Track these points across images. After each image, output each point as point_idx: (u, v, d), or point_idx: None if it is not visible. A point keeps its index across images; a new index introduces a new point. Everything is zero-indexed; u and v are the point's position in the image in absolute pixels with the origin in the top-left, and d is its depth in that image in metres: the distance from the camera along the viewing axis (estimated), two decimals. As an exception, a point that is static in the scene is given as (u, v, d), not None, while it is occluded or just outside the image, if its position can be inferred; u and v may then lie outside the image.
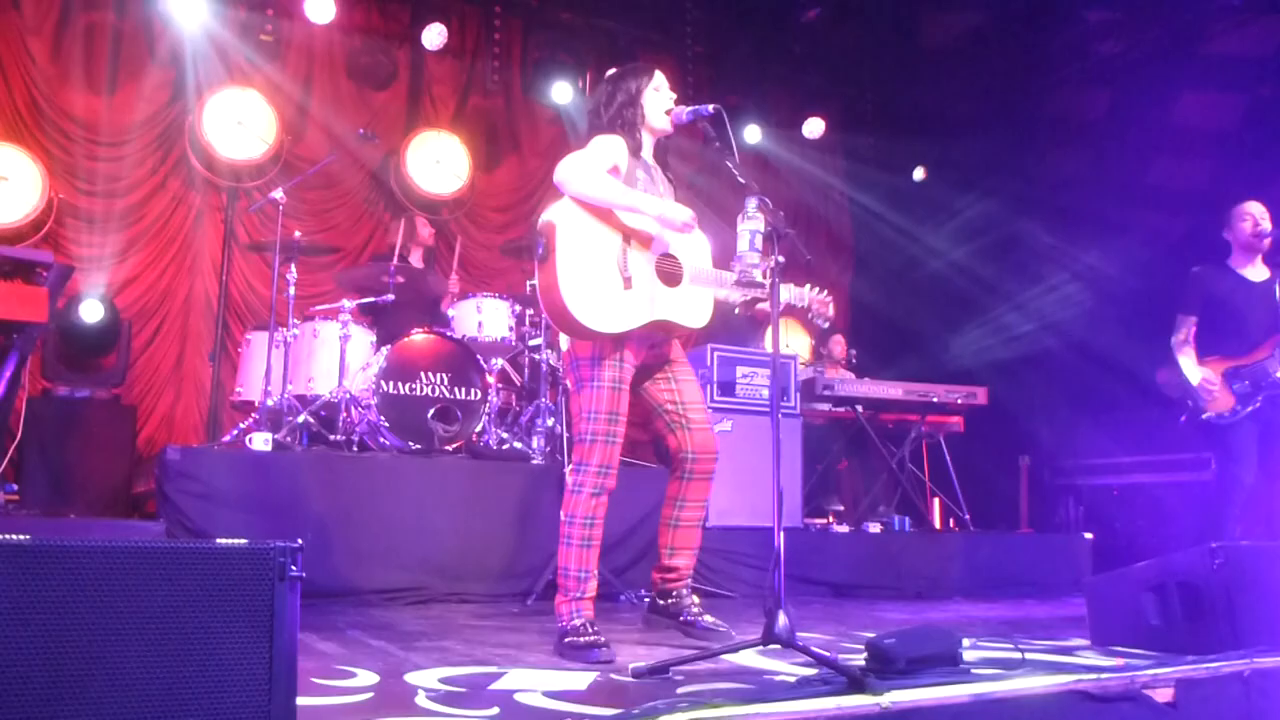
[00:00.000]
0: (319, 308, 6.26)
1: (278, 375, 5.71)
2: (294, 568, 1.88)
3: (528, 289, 6.19)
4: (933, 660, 2.66)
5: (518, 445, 5.94)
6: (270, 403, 5.63)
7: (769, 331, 3.25)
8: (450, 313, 6.37)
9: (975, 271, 8.91)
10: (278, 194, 5.86)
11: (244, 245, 7.45)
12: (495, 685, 2.70)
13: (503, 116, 8.87)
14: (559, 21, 8.79)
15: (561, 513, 3.37)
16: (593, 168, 3.32)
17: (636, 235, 3.38)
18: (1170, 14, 7.92)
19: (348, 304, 5.97)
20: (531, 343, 6.27)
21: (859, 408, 7.07)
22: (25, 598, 1.67)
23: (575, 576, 3.34)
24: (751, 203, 3.12)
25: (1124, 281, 7.72)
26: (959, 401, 7.16)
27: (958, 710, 2.34)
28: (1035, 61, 8.86)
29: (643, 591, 5.05)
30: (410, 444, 5.53)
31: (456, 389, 5.74)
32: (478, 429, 5.79)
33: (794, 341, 9.25)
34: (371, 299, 6.12)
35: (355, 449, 5.65)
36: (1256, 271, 5.00)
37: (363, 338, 6.06)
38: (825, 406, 7.18)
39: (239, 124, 7.43)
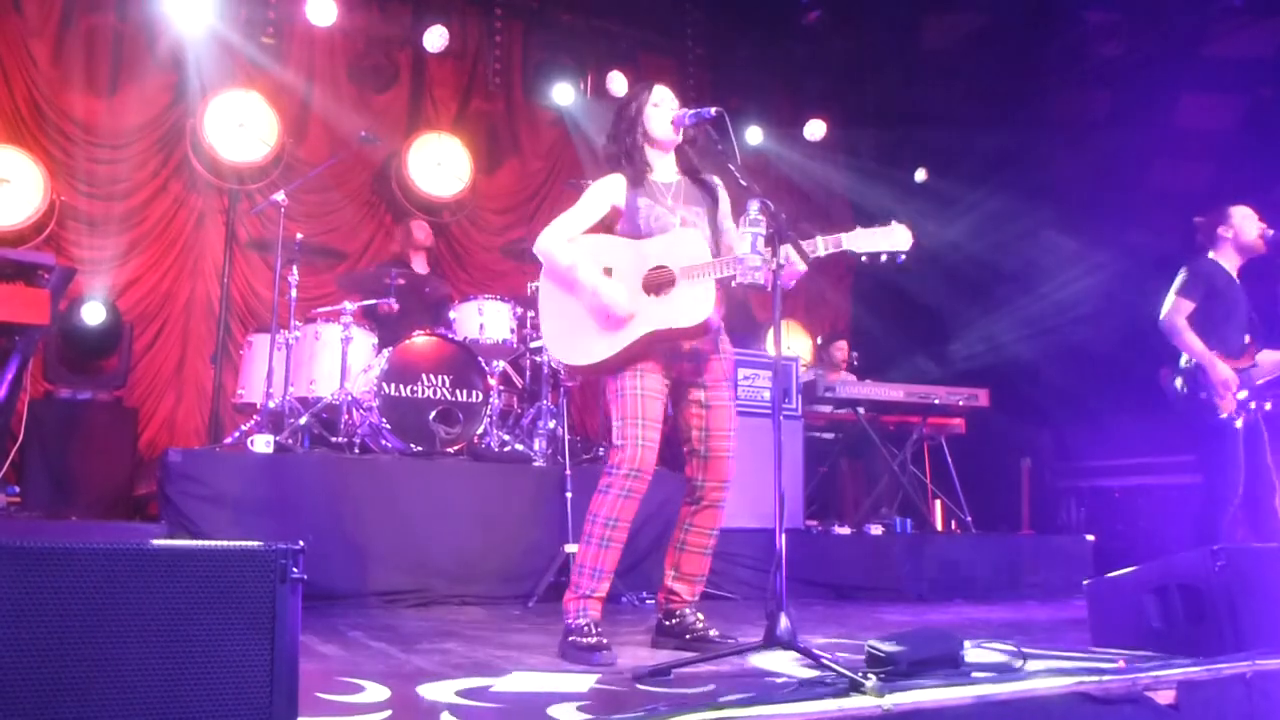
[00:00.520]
0: (321, 310, 6.26)
1: (279, 377, 5.71)
2: (295, 570, 1.88)
3: (529, 291, 6.19)
4: (934, 662, 2.66)
5: (519, 447, 5.94)
6: (272, 405, 5.63)
7: (770, 333, 3.24)
8: (452, 315, 6.37)
9: (977, 273, 8.90)
10: (279, 196, 5.87)
11: (245, 244, 7.45)
12: (497, 687, 2.70)
13: (504, 118, 8.87)
14: (560, 23, 8.79)
15: (588, 510, 3.40)
16: (561, 234, 3.54)
17: (616, 268, 3.47)
18: (1170, 16, 7.92)
19: (349, 306, 5.97)
20: (533, 345, 6.27)
21: (860, 409, 7.07)
22: (27, 600, 1.67)
23: (589, 574, 3.35)
24: (753, 205, 3.12)
25: (1125, 283, 7.72)
26: (960, 403, 7.15)
27: (959, 712, 2.34)
28: (1036, 63, 8.87)
29: (644, 593, 5.06)
30: (412, 446, 5.53)
31: (458, 391, 5.74)
32: (479, 431, 5.79)
33: (795, 344, 9.25)
34: (373, 301, 6.13)
35: (357, 451, 5.65)
36: (1235, 273, 4.97)
37: (364, 340, 6.06)
38: (827, 409, 7.18)
39: (241, 126, 7.43)
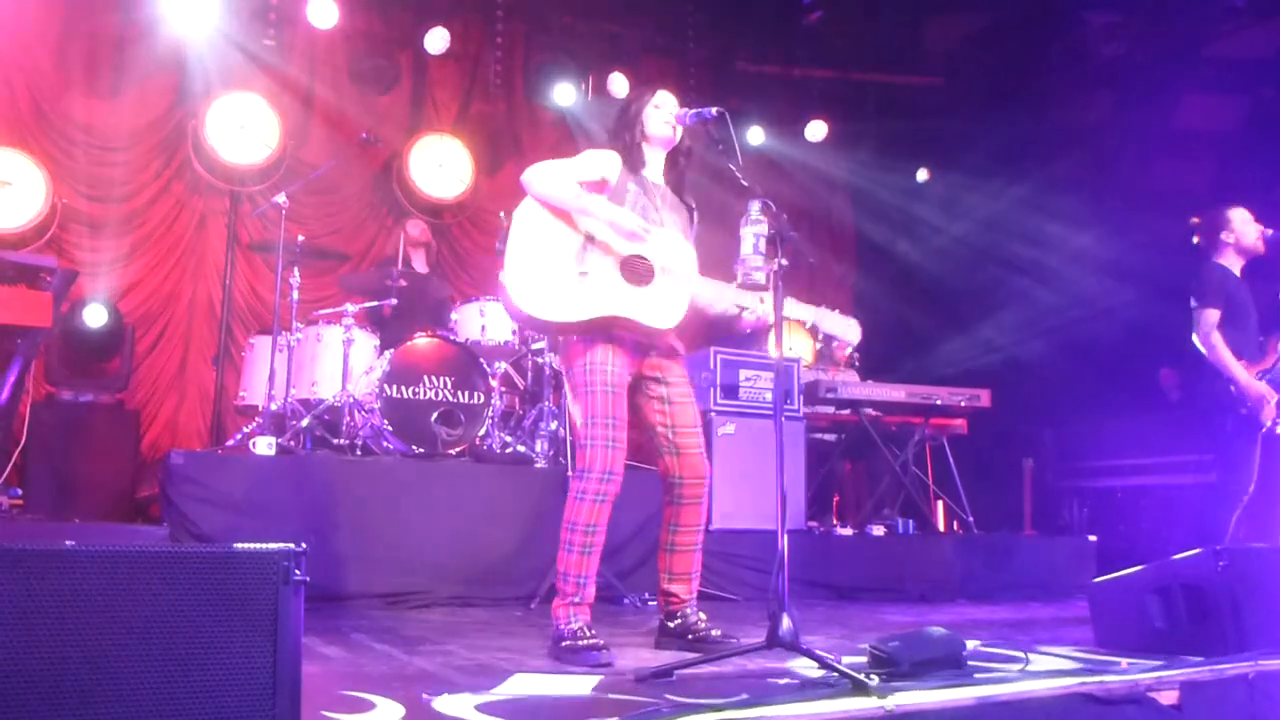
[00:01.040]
0: (322, 312, 6.26)
1: (281, 379, 5.72)
2: (298, 572, 1.88)
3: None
4: (936, 663, 2.66)
5: (521, 449, 5.94)
6: (274, 407, 5.64)
7: (772, 334, 3.25)
8: (453, 316, 6.37)
9: (978, 273, 8.90)
10: (281, 198, 5.87)
11: (247, 246, 7.45)
12: (499, 689, 2.70)
13: (505, 120, 8.87)
14: (561, 25, 8.79)
15: (563, 518, 3.38)
16: (556, 173, 3.45)
17: (599, 236, 3.43)
18: (1172, 16, 7.92)
19: (351, 308, 5.97)
20: (534, 346, 6.26)
21: (869, 410, 7.07)
22: (29, 602, 1.67)
23: (575, 581, 3.35)
24: (755, 206, 3.13)
25: (1126, 283, 7.72)
26: (962, 404, 7.15)
27: (962, 713, 2.34)
28: (1037, 64, 8.87)
29: (646, 595, 5.06)
30: (413, 448, 5.54)
31: (460, 392, 5.74)
32: (481, 432, 5.79)
33: (797, 344, 9.24)
34: (375, 303, 6.13)
35: (359, 453, 5.65)
36: (1239, 275, 4.98)
37: (366, 341, 6.06)
38: (829, 409, 7.18)
39: (242, 128, 7.43)
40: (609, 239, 3.44)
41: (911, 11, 9.11)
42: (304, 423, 5.65)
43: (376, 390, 5.56)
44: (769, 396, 6.21)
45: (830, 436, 7.61)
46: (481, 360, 5.89)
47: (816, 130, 9.53)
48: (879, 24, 9.13)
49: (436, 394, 5.67)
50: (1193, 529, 4.78)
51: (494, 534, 5.17)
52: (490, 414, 5.83)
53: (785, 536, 2.85)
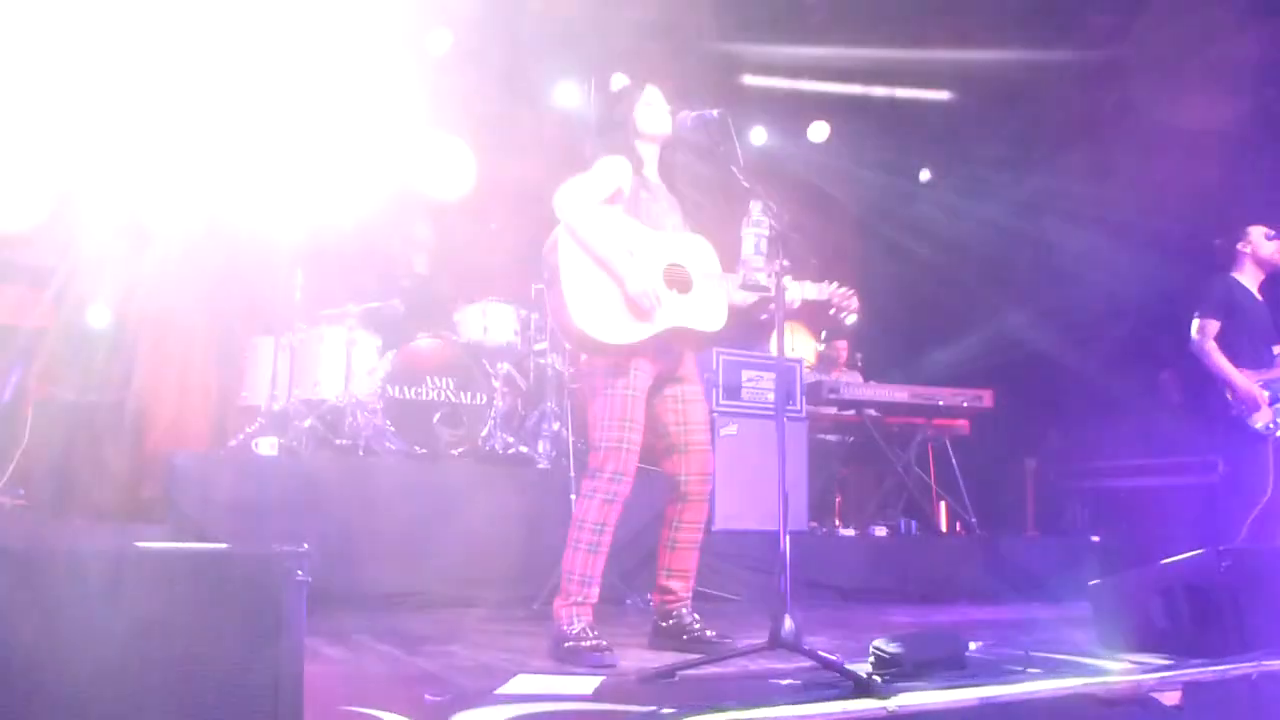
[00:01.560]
0: (325, 312, 6.26)
1: (284, 380, 5.72)
2: (300, 572, 1.88)
3: (532, 293, 6.19)
4: (939, 664, 2.66)
5: (523, 449, 5.94)
6: (276, 407, 5.64)
7: (774, 335, 3.24)
8: (456, 317, 6.37)
9: (980, 274, 8.89)
10: (284, 199, 5.87)
11: (250, 246, 7.44)
12: (501, 690, 2.70)
13: (508, 119, 8.86)
14: (564, 25, 8.78)
15: (573, 515, 3.39)
16: (587, 200, 3.40)
17: (637, 252, 3.40)
18: (1176, 17, 7.90)
19: (354, 308, 5.97)
20: (537, 347, 6.27)
21: (871, 411, 7.06)
22: (31, 603, 1.67)
23: (579, 580, 3.35)
24: (756, 207, 3.13)
25: (1129, 283, 7.71)
26: (965, 404, 7.15)
27: (964, 713, 2.34)
28: (1040, 65, 8.85)
29: (648, 595, 5.05)
30: (416, 448, 5.54)
31: (462, 393, 5.74)
32: (483, 433, 5.79)
33: (799, 345, 9.24)
34: (378, 303, 6.14)
35: (361, 453, 5.65)
36: (1256, 289, 5.10)
37: (368, 342, 6.06)
38: (831, 410, 7.18)
39: (244, 129, 7.43)
40: (646, 253, 3.43)
41: (915, 13, 9.09)
42: (306, 423, 5.65)
43: (379, 390, 5.56)
44: (771, 397, 6.21)
45: (833, 437, 7.61)
46: (484, 361, 5.90)
47: (819, 131, 9.53)
48: (882, 25, 9.11)
49: (439, 394, 5.67)
50: (1196, 530, 4.80)
51: (496, 535, 5.16)
52: (492, 414, 5.83)
53: (787, 537, 2.85)
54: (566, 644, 3.26)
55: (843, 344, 8.41)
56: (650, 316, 3.34)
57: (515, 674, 2.95)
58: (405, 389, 5.61)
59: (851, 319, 3.63)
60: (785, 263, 3.10)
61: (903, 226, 9.46)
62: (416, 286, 6.40)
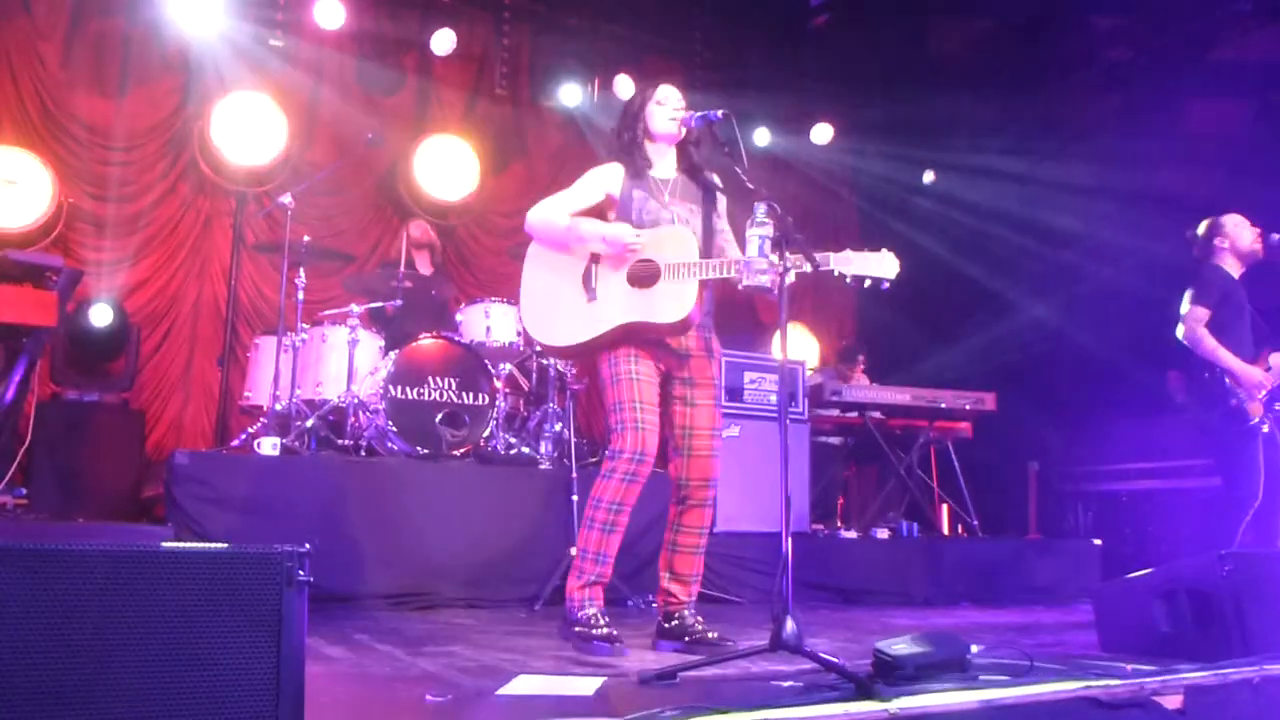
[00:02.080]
0: (327, 312, 6.26)
1: (286, 380, 5.72)
2: (302, 573, 1.88)
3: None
4: (941, 667, 2.65)
5: (525, 450, 5.94)
6: (278, 407, 5.64)
7: (777, 336, 3.20)
8: (458, 317, 6.37)
9: (984, 277, 8.89)
10: (286, 199, 5.86)
11: (252, 246, 7.46)
12: (502, 690, 2.70)
13: (511, 121, 8.87)
14: (567, 26, 8.80)
15: (590, 494, 3.42)
16: (547, 210, 3.59)
17: (603, 253, 3.51)
18: (1179, 21, 7.90)
19: (356, 309, 5.98)
20: (539, 347, 6.26)
21: (874, 413, 7.06)
22: (33, 602, 1.67)
23: (592, 558, 3.37)
24: (760, 208, 3.12)
25: (1132, 287, 7.70)
26: (967, 407, 7.14)
27: (966, 716, 2.33)
28: (1044, 68, 8.85)
29: (650, 596, 5.05)
30: (418, 449, 5.54)
31: (464, 394, 5.74)
32: (485, 434, 5.79)
33: (802, 346, 9.24)
34: (380, 304, 6.14)
35: (363, 454, 5.65)
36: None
37: (371, 342, 6.06)
38: (834, 412, 7.17)
39: (248, 129, 7.44)
40: (614, 255, 3.50)
41: (918, 14, 9.10)
42: (308, 423, 5.65)
43: (381, 391, 5.56)
44: (773, 399, 6.20)
45: (835, 439, 7.60)
46: (486, 361, 5.90)
47: (822, 133, 9.54)
48: (885, 27, 9.12)
49: (441, 395, 5.67)
50: (1198, 533, 4.78)
51: (498, 535, 5.17)
52: (495, 415, 5.83)
53: (789, 539, 2.85)
54: (577, 628, 3.28)
55: (861, 359, 8.35)
56: (622, 265, 3.45)
57: (517, 675, 2.95)
58: (407, 389, 5.61)
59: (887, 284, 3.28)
60: (789, 264, 3.09)
61: (907, 227, 9.45)
62: (419, 287, 6.39)
